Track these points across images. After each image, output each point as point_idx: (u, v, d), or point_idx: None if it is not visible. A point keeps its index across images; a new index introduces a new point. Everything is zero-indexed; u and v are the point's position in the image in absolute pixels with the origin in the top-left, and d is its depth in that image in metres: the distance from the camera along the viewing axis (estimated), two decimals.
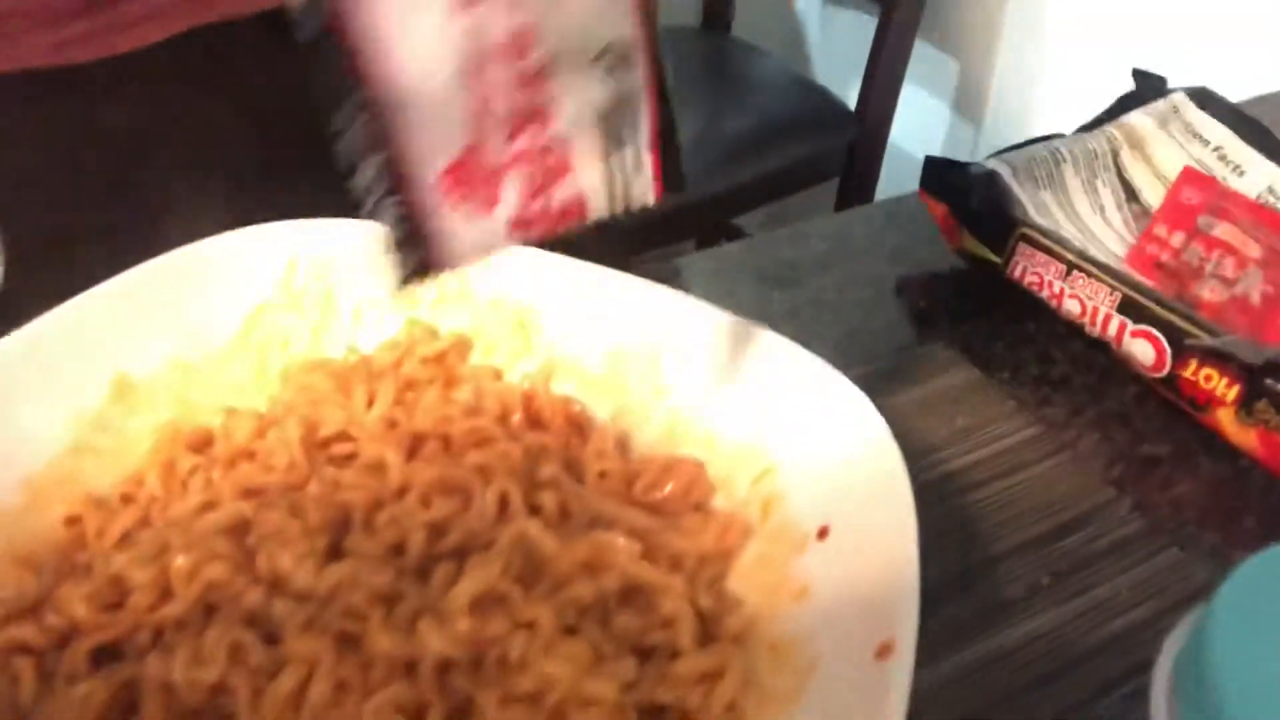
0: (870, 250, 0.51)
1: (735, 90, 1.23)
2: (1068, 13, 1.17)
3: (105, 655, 0.28)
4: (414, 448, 0.33)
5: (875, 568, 0.27)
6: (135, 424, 0.34)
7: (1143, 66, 0.52)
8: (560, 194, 0.26)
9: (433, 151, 0.23)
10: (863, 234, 0.52)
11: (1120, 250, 0.47)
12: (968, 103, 1.33)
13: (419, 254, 0.25)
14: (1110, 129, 0.50)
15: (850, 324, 0.46)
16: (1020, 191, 0.46)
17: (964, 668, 0.32)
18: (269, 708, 0.26)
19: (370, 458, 0.32)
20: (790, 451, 0.32)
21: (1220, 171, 0.48)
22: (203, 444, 0.34)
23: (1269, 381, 0.36)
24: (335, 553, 0.30)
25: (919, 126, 1.38)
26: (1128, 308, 0.41)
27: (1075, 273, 0.43)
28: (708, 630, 0.29)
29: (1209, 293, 0.43)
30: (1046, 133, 0.51)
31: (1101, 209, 0.48)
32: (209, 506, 0.31)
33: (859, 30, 1.19)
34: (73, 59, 0.40)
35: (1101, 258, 0.44)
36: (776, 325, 0.45)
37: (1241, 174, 0.48)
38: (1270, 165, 0.48)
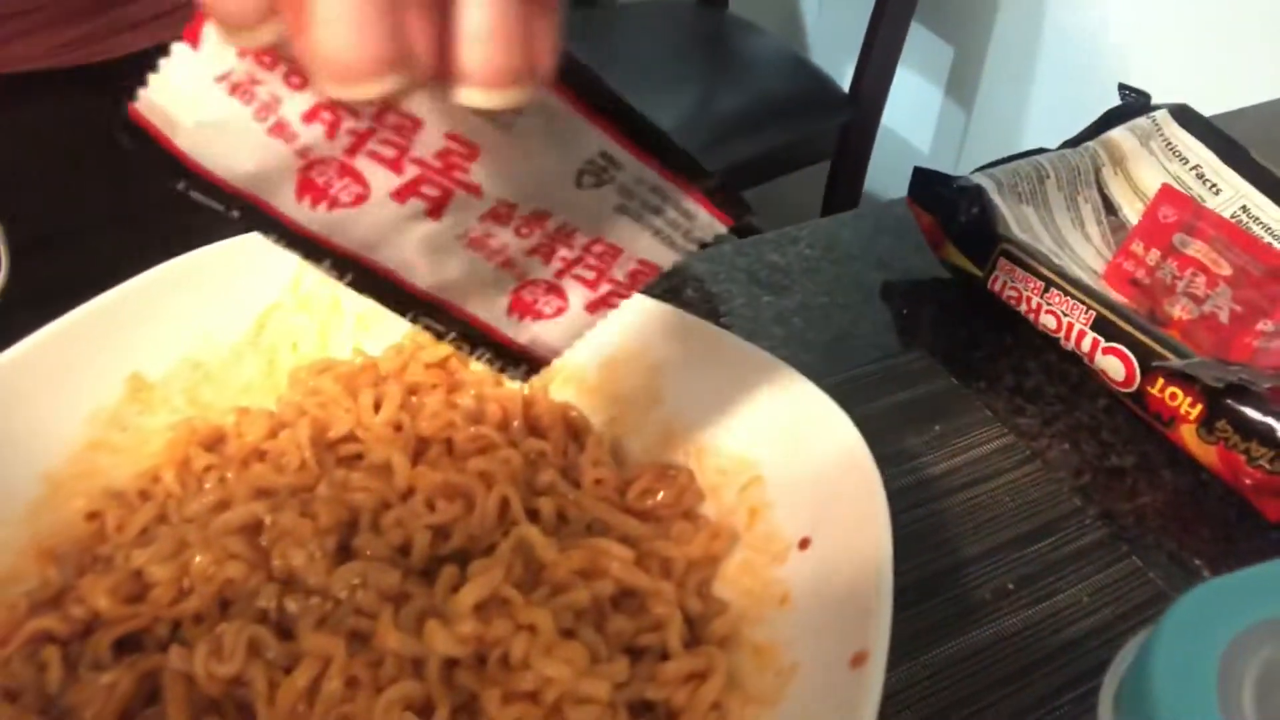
0: (859, 256, 0.52)
1: (731, 67, 1.23)
2: None
3: (123, 646, 0.30)
4: (418, 451, 0.35)
5: (852, 581, 0.29)
6: (150, 422, 0.35)
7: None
8: (621, 269, 0.26)
9: (488, 304, 0.26)
10: (852, 239, 0.53)
11: (1098, 265, 0.49)
12: (961, 88, 1.34)
13: (523, 367, 0.28)
14: (1093, 145, 0.51)
15: (837, 329, 0.48)
16: (1004, 206, 0.47)
17: (930, 667, 0.34)
18: (284, 701, 0.27)
19: (377, 460, 0.34)
20: (774, 464, 0.34)
21: (1197, 189, 0.50)
22: (215, 442, 0.36)
23: (1229, 403, 0.38)
24: (344, 552, 0.31)
25: (912, 110, 1.38)
26: (1101, 325, 0.43)
27: (1052, 289, 0.44)
28: (695, 632, 0.31)
29: (1180, 310, 0.45)
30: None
31: (1081, 224, 0.50)
32: (224, 505, 0.33)
33: (855, 11, 1.19)
34: (77, 61, 0.41)
35: (1079, 273, 0.46)
36: (766, 330, 0.47)
37: (1217, 192, 0.50)
38: (1245, 184, 0.49)
